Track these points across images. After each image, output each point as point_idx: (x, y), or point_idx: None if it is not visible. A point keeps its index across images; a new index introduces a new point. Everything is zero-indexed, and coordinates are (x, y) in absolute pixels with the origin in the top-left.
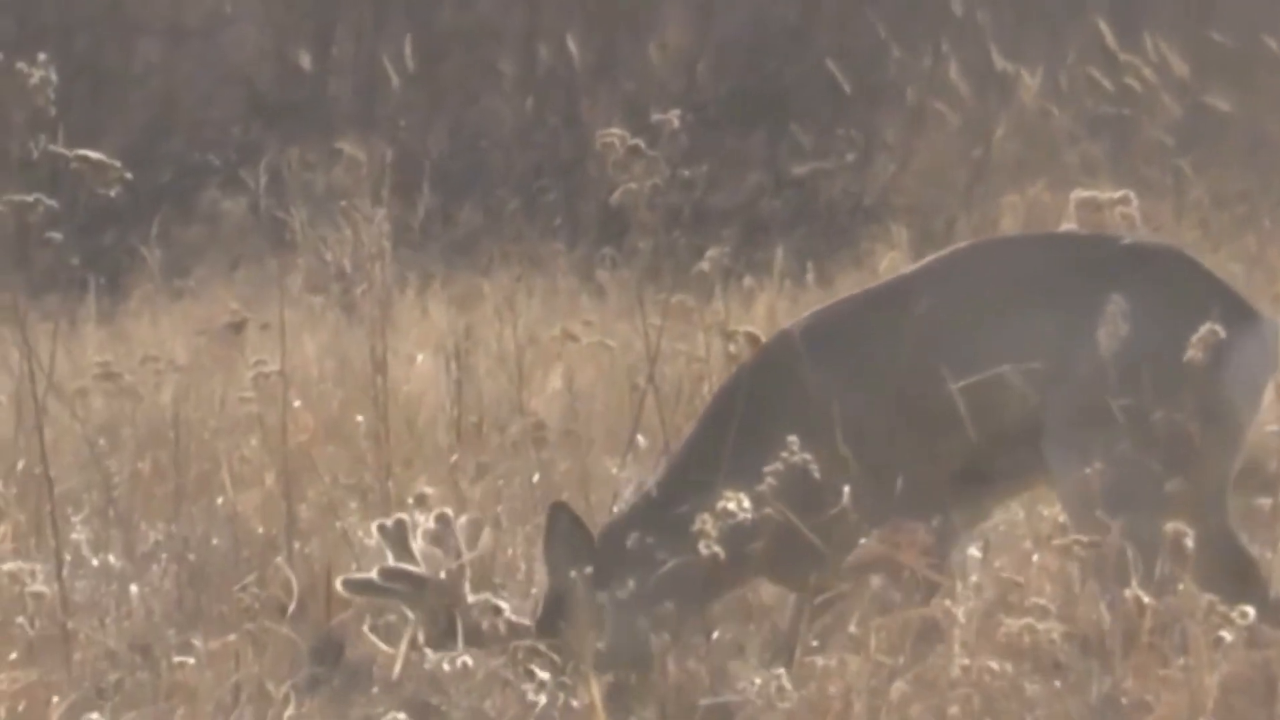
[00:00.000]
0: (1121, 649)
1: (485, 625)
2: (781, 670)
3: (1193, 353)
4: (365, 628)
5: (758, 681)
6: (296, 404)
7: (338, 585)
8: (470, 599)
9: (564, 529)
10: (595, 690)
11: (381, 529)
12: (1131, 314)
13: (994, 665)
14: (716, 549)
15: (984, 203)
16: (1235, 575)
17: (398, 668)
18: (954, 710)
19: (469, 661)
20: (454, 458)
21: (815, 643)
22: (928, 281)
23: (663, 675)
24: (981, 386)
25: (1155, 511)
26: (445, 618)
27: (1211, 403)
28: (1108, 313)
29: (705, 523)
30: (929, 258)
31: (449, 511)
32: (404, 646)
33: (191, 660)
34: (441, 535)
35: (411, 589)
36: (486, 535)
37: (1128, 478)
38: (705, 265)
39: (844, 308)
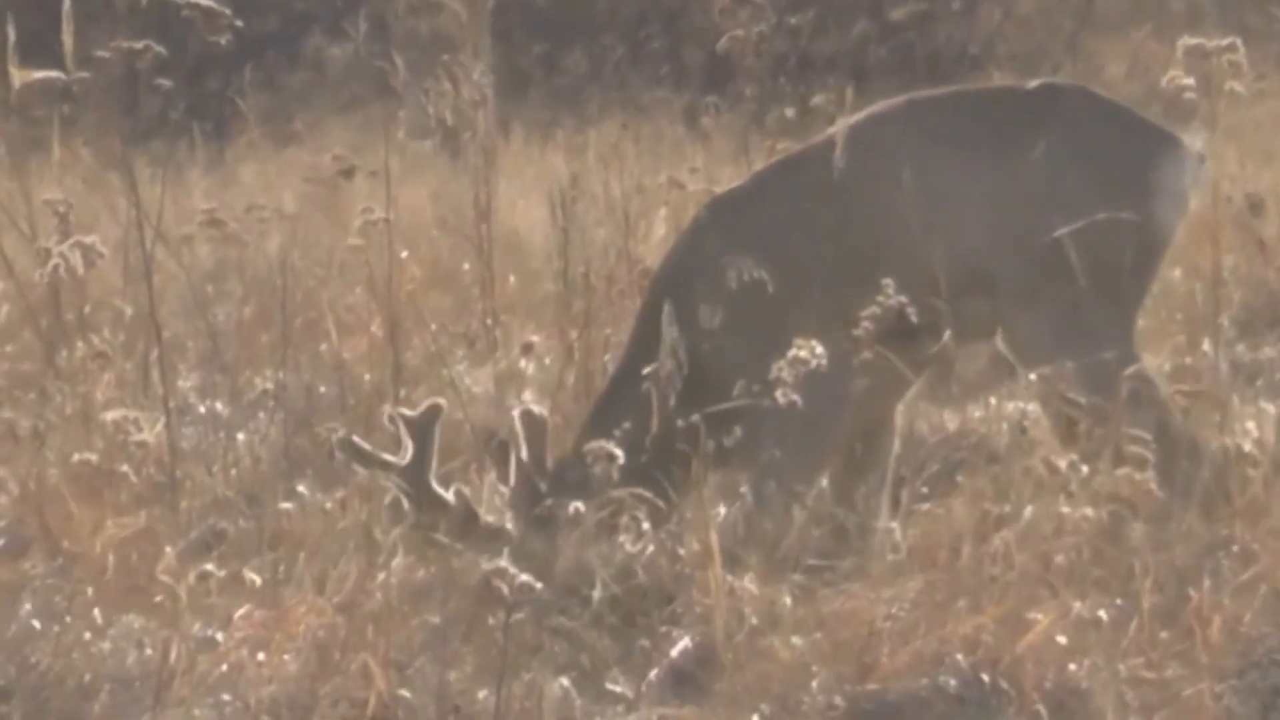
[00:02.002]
0: (1227, 498)
1: (599, 471)
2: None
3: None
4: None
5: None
6: (403, 253)
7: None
8: (586, 447)
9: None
10: (713, 537)
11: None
12: (1057, 154)
13: (1092, 513)
14: (794, 397)
15: (1088, 50)
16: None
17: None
18: (1059, 559)
19: (580, 508)
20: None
21: (924, 489)
22: (847, 146)
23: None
24: (919, 246)
25: (1108, 346)
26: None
27: (1142, 230)
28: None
29: (780, 370)
30: (840, 123)
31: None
32: (512, 492)
33: (297, 509)
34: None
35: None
36: None
37: (1080, 317)
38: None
39: (763, 178)
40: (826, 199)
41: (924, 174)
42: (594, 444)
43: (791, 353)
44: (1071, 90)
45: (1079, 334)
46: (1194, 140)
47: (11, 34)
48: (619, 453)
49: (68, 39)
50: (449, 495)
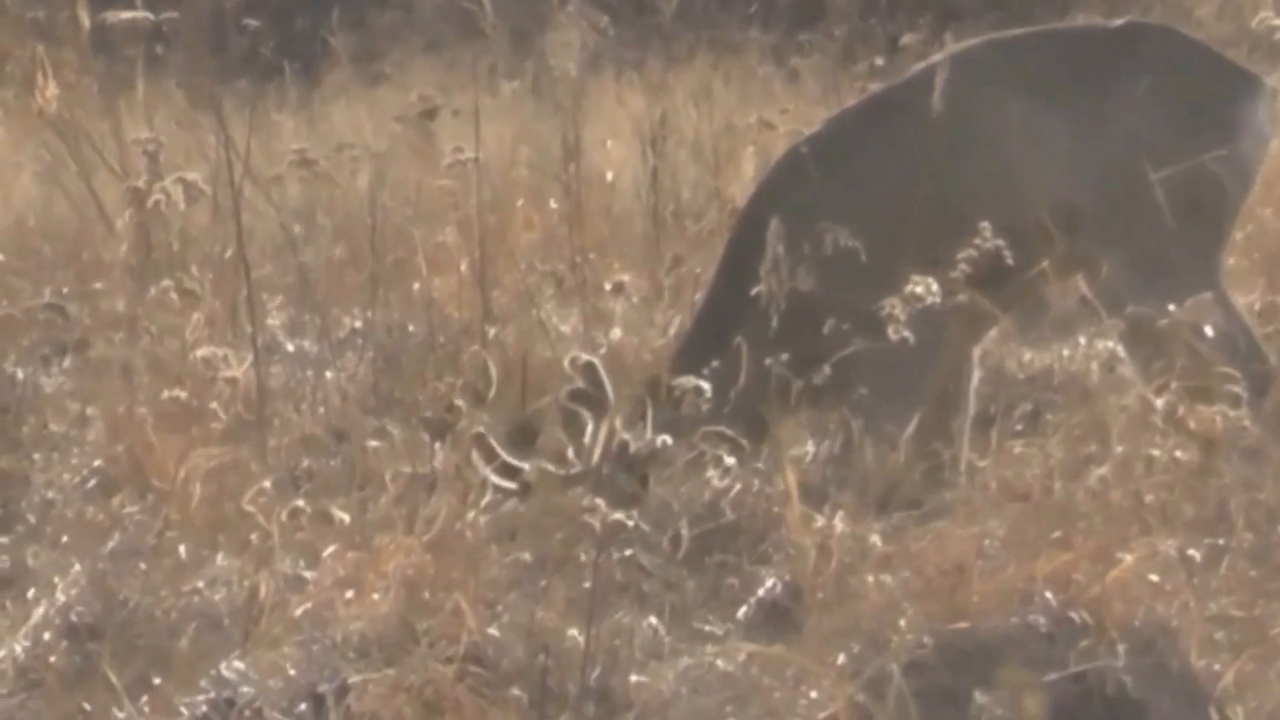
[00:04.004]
0: None
1: (686, 408)
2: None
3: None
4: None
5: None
6: (490, 190)
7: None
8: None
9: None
10: (790, 477)
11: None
12: (1141, 94)
13: (1183, 453)
14: (906, 334)
15: None
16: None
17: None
18: (1150, 497)
19: (668, 440)
20: (648, 246)
21: (1018, 426)
22: (932, 87)
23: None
24: (1008, 187)
25: (1195, 286)
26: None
27: (1227, 170)
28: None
29: (894, 306)
30: (922, 64)
31: None
32: (601, 433)
33: (386, 446)
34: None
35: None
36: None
37: (1166, 257)
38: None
39: (848, 118)
40: (911, 140)
41: (1008, 115)
42: (681, 379)
43: (907, 288)
44: (1155, 30)
45: (1165, 274)
46: (1277, 80)
47: None
48: (706, 387)
49: None
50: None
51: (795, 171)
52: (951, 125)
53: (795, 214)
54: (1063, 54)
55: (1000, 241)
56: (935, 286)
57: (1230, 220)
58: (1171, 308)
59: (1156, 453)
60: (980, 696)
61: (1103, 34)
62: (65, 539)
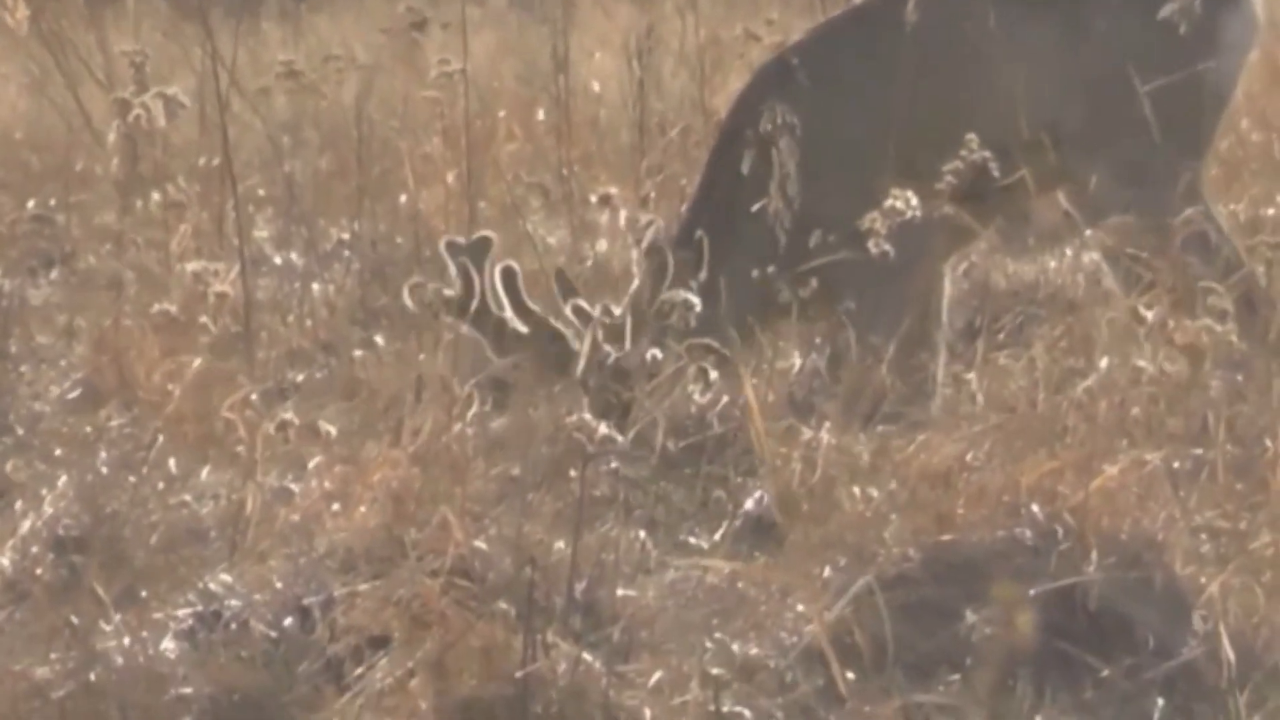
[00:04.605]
0: None
1: (675, 319)
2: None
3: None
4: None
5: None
6: (477, 102)
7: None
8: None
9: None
10: (750, 390)
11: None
12: (1121, 8)
13: (1170, 366)
14: (886, 247)
15: None
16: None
17: (581, 364)
18: (1135, 410)
19: (658, 354)
20: (636, 157)
21: (1004, 338)
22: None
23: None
24: (989, 100)
25: (1183, 198)
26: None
27: (1209, 81)
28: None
29: (874, 220)
30: None
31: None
32: (587, 344)
33: (373, 358)
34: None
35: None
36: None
37: (1148, 169)
38: None
39: (831, 28)
40: (891, 52)
41: (985, 29)
42: (670, 293)
43: (887, 202)
44: None
45: (1148, 186)
46: None
47: None
48: (695, 300)
49: None
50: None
51: (776, 82)
52: (930, 38)
53: (777, 123)
54: None
55: (986, 153)
56: (915, 200)
57: (1211, 131)
58: (1154, 220)
59: (1143, 363)
60: (966, 610)
61: None
62: (53, 451)
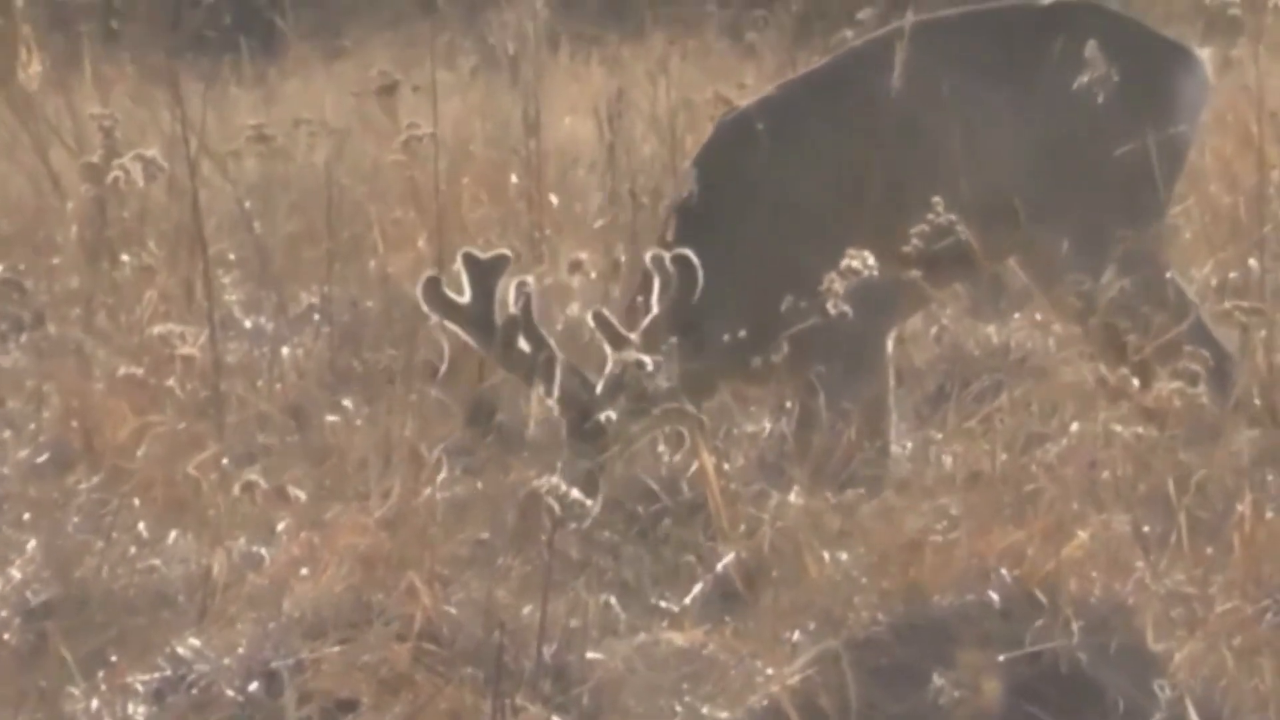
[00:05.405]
0: (1274, 413)
1: (627, 380)
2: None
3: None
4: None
5: (909, 445)
6: (448, 166)
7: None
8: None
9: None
10: (705, 458)
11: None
12: (1073, 73)
13: (1141, 429)
14: (844, 308)
15: None
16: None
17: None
18: (1105, 474)
19: (613, 416)
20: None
21: (974, 402)
22: (868, 66)
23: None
24: (941, 170)
25: (1138, 263)
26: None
27: (1165, 145)
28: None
29: (832, 282)
30: (862, 40)
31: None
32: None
33: (342, 423)
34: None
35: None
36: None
37: (1107, 235)
38: (850, 33)
39: (786, 92)
40: (845, 120)
41: (938, 97)
42: (622, 353)
43: (844, 263)
44: (1085, 8)
45: (1106, 252)
46: (1204, 52)
47: None
48: (648, 360)
49: None
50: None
51: (735, 139)
52: (884, 106)
53: (737, 180)
54: (993, 34)
55: (953, 216)
56: (871, 260)
57: (1168, 194)
58: (1114, 284)
59: (1116, 428)
60: (935, 675)
61: (1032, 13)
62: (21, 516)
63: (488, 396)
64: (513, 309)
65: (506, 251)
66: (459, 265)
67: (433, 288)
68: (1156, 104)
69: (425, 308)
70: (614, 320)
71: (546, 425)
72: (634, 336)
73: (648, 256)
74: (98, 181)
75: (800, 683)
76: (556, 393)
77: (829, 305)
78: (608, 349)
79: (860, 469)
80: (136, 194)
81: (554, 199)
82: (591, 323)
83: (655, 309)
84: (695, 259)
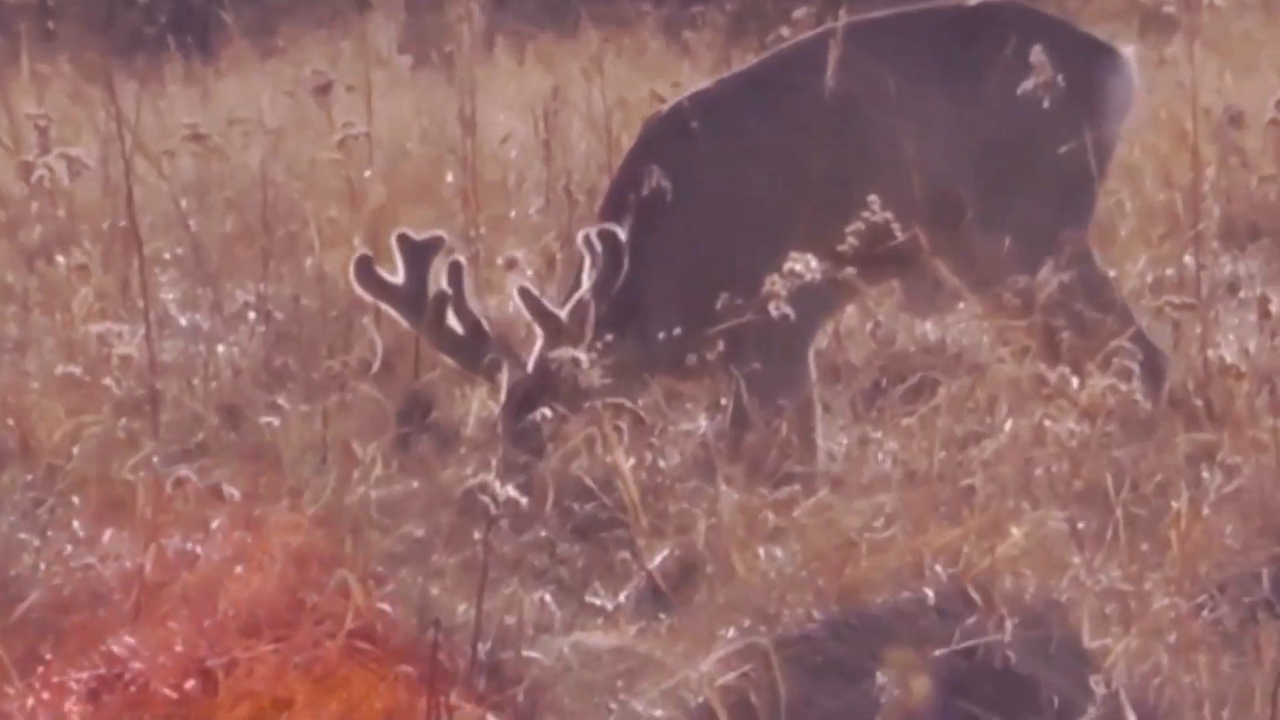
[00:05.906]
0: (1209, 410)
1: (565, 378)
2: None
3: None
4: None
5: (844, 442)
6: (384, 164)
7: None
8: (552, 354)
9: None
10: (620, 458)
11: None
12: (1000, 73)
13: (1075, 426)
14: (786, 310)
15: None
16: (1104, 305)
17: (470, 423)
18: (1039, 471)
19: (548, 413)
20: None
21: (904, 395)
22: (804, 68)
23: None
24: (871, 169)
25: (1071, 260)
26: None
27: (1093, 143)
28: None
29: (774, 284)
30: (797, 40)
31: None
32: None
33: (278, 421)
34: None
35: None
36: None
37: (1041, 233)
38: (787, 31)
39: (719, 88)
40: (776, 125)
41: (865, 99)
42: (560, 351)
43: (786, 265)
44: (1011, 8)
45: (1038, 250)
46: (1130, 50)
47: None
48: (584, 357)
49: None
50: (456, 323)
51: (667, 136)
52: (817, 104)
53: (667, 175)
54: (923, 35)
55: (888, 215)
56: (814, 263)
57: (1096, 191)
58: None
59: (1049, 424)
60: (869, 672)
61: (959, 14)
62: None
63: (423, 394)
64: (444, 286)
65: (442, 234)
66: (394, 245)
67: (365, 267)
68: (1083, 103)
69: (357, 287)
70: (540, 297)
71: (482, 423)
72: (561, 313)
73: (579, 236)
74: (29, 179)
75: (734, 680)
76: (481, 367)
77: (771, 307)
78: (537, 328)
79: (794, 466)
80: (71, 192)
81: (490, 197)
82: (518, 299)
83: (585, 285)
84: (621, 236)
